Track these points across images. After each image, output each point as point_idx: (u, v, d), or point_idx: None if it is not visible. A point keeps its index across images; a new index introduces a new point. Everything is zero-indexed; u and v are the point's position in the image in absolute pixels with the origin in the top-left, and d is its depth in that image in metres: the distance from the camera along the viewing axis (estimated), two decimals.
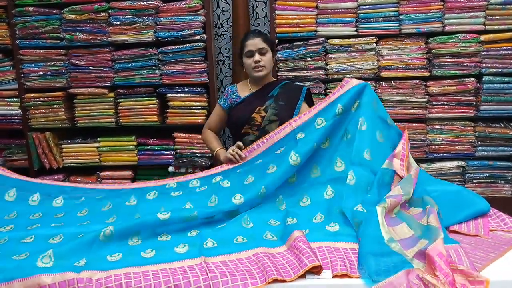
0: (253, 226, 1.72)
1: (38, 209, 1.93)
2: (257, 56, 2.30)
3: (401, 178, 1.82)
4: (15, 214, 1.88)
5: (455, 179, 3.00)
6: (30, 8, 2.88)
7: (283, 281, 1.35)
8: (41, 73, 2.97)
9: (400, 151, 1.88)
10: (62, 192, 2.02)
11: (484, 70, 2.88)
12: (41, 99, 2.98)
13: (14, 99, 3.02)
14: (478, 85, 2.89)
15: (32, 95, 2.99)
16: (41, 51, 2.94)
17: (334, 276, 1.37)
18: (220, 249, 1.53)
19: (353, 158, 1.87)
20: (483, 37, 2.83)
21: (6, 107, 3.03)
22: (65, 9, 2.87)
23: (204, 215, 1.77)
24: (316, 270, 1.38)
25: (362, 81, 2.06)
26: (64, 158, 3.07)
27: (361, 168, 1.84)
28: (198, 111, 2.98)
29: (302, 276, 1.37)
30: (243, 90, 2.43)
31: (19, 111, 3.02)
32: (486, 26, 2.85)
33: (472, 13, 2.83)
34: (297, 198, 1.88)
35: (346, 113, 2.00)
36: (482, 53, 2.86)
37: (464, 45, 2.84)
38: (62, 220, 1.83)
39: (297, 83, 2.74)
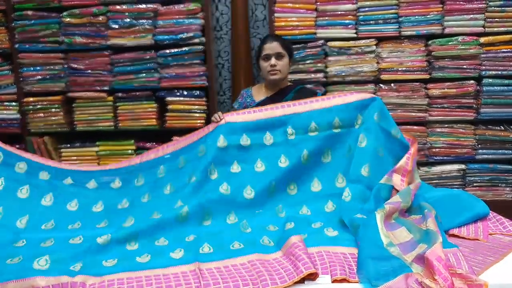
0: (251, 231, 1.71)
1: (25, 182, 1.89)
2: (273, 60, 2.32)
3: None
4: (2, 182, 1.85)
5: (455, 183, 2.99)
6: (29, 12, 2.87)
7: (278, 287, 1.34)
8: (40, 77, 2.96)
9: (403, 166, 1.85)
10: (47, 169, 2.00)
11: (484, 72, 2.87)
12: (40, 103, 2.97)
13: (13, 103, 3.01)
14: (478, 87, 2.88)
15: (31, 99, 2.98)
16: (40, 55, 2.94)
17: (333, 281, 1.37)
18: (215, 255, 1.52)
19: (351, 175, 1.86)
20: (482, 40, 2.82)
21: (5, 111, 3.02)
22: (64, 13, 2.87)
23: (195, 204, 1.77)
24: (312, 277, 1.37)
25: (367, 96, 2.02)
26: (63, 162, 3.06)
27: (358, 184, 1.83)
28: (197, 114, 2.97)
29: (301, 282, 1.37)
30: (259, 93, 2.45)
31: (18, 115, 3.01)
32: (486, 29, 2.84)
33: (471, 16, 2.82)
34: (297, 208, 1.88)
35: (349, 129, 1.98)
36: (482, 56, 2.85)
37: (464, 47, 2.83)
38: (52, 218, 1.82)
39: (309, 86, 2.75)
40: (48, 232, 1.74)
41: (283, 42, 2.40)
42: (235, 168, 1.93)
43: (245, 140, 1.97)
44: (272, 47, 2.34)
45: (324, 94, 2.90)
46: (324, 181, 1.93)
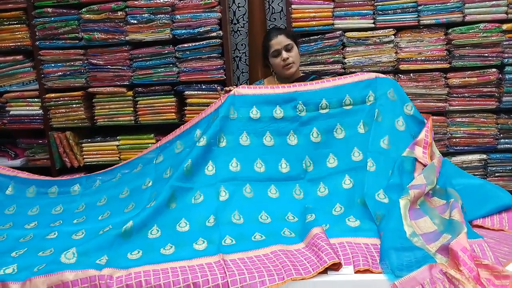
0: (271, 222, 1.72)
1: (58, 200, 2.07)
2: (284, 54, 2.30)
3: (424, 165, 1.79)
4: (38, 208, 1.97)
5: (476, 173, 2.95)
6: (49, 9, 2.91)
7: (303, 278, 1.36)
8: (60, 73, 3.01)
9: (423, 139, 1.86)
10: (78, 182, 2.21)
11: (506, 60, 2.81)
12: (61, 99, 3.02)
13: (35, 99, 3.07)
14: (500, 76, 2.83)
15: (53, 95, 3.03)
16: (60, 51, 2.98)
17: (356, 272, 1.37)
18: (238, 246, 1.54)
19: (370, 147, 1.86)
20: (505, 27, 2.76)
21: (27, 108, 3.08)
22: (83, 9, 2.90)
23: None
24: (335, 267, 1.38)
25: (379, 75, 2.04)
26: (84, 156, 3.11)
27: (380, 155, 1.84)
28: None
29: (324, 272, 1.37)
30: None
31: (40, 111, 3.07)
32: (509, 15, 2.77)
33: (493, 2, 2.76)
34: (314, 187, 1.87)
35: (360, 106, 1.99)
36: (504, 43, 2.79)
37: (485, 35, 2.77)
38: (84, 214, 1.89)
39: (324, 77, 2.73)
40: (80, 224, 1.80)
41: (287, 33, 2.37)
42: (244, 139, 1.95)
43: (254, 113, 2.00)
44: (279, 41, 2.31)
45: None
46: (339, 156, 1.93)
